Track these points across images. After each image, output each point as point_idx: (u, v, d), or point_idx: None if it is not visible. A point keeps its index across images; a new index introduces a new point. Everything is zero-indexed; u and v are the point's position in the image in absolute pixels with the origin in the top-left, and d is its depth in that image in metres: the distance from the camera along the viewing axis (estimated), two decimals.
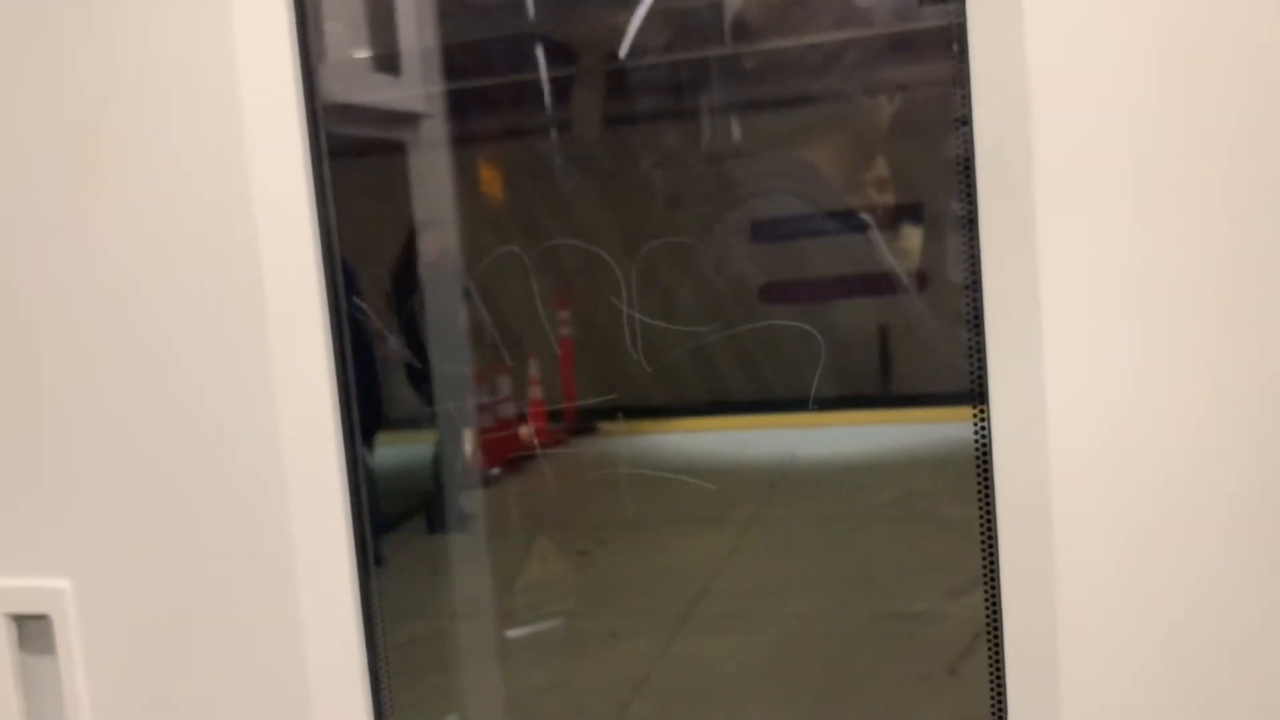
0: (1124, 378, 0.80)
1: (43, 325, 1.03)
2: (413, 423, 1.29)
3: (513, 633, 1.30)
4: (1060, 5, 0.78)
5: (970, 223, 0.83)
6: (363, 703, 1.01)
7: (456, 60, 1.23)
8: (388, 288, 1.18)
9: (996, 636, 0.86)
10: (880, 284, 1.09)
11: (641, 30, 1.09)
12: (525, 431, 1.20)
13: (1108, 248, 0.79)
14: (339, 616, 1.00)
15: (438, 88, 1.25)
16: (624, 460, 1.16)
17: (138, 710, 1.06)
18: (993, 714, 0.88)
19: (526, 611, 1.29)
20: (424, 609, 1.28)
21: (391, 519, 1.26)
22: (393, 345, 1.17)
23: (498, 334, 1.14)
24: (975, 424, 0.86)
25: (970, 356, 0.86)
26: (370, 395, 1.07)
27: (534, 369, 1.20)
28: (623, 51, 1.10)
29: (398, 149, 1.29)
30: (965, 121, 0.82)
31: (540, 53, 1.18)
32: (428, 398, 1.25)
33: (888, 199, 1.08)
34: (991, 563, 0.86)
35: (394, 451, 1.24)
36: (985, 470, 0.86)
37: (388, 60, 1.23)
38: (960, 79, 0.83)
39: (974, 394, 0.86)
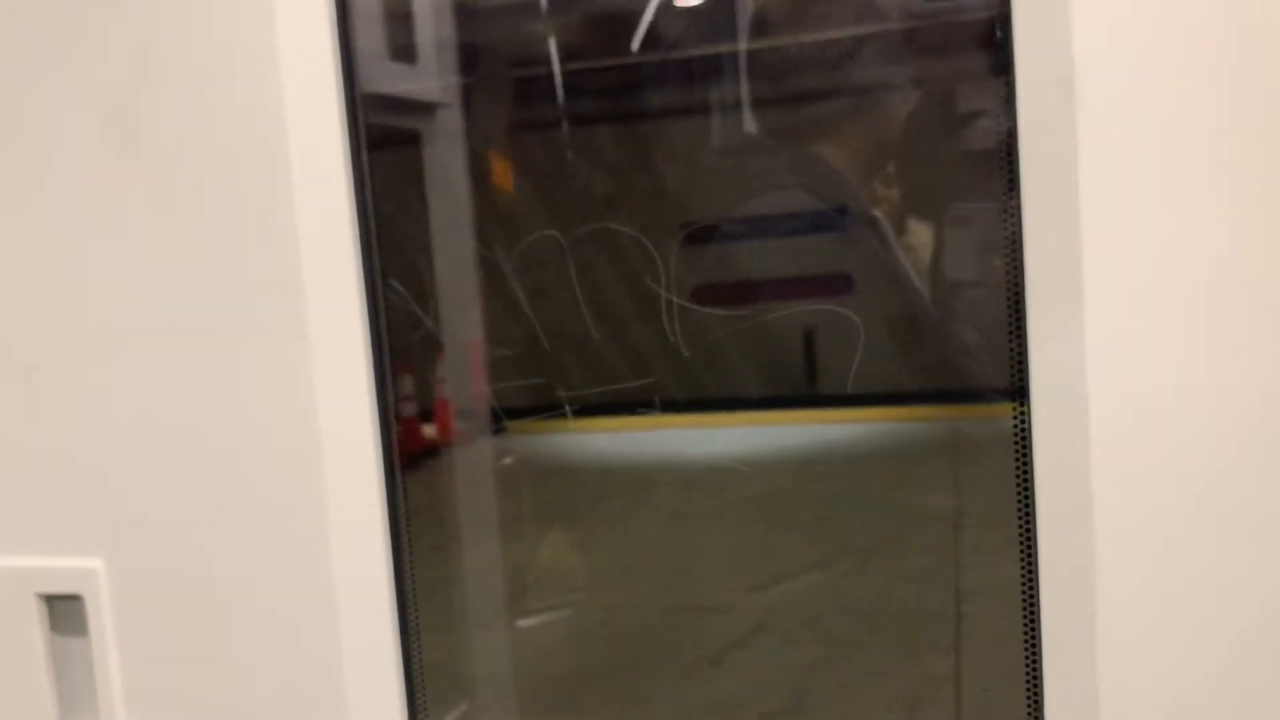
0: (1169, 371, 0.79)
1: (76, 304, 1.04)
2: None
3: None
4: None
5: (1013, 215, 0.83)
6: (396, 684, 1.01)
7: None
8: None
9: (1033, 634, 0.85)
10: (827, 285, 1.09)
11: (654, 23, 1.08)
12: (429, 430, 1.23)
13: (1154, 237, 0.78)
14: (374, 598, 1.00)
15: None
16: (521, 459, 1.21)
17: (170, 691, 1.06)
18: (1029, 712, 0.87)
19: None
20: None
21: None
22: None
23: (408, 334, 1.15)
24: (1015, 418, 0.85)
25: (1010, 348, 0.85)
26: None
27: (441, 368, 1.22)
28: (634, 44, 1.10)
29: None
30: (1010, 111, 0.82)
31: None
32: None
33: (911, 195, 1.07)
34: (1030, 560, 0.85)
35: None
36: (1025, 467, 0.85)
37: None
38: (1005, 68, 0.82)
39: (1013, 389, 0.85)
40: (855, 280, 1.07)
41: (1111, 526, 0.81)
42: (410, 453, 1.15)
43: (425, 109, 1.21)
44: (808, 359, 1.09)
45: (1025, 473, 0.84)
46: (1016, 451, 0.85)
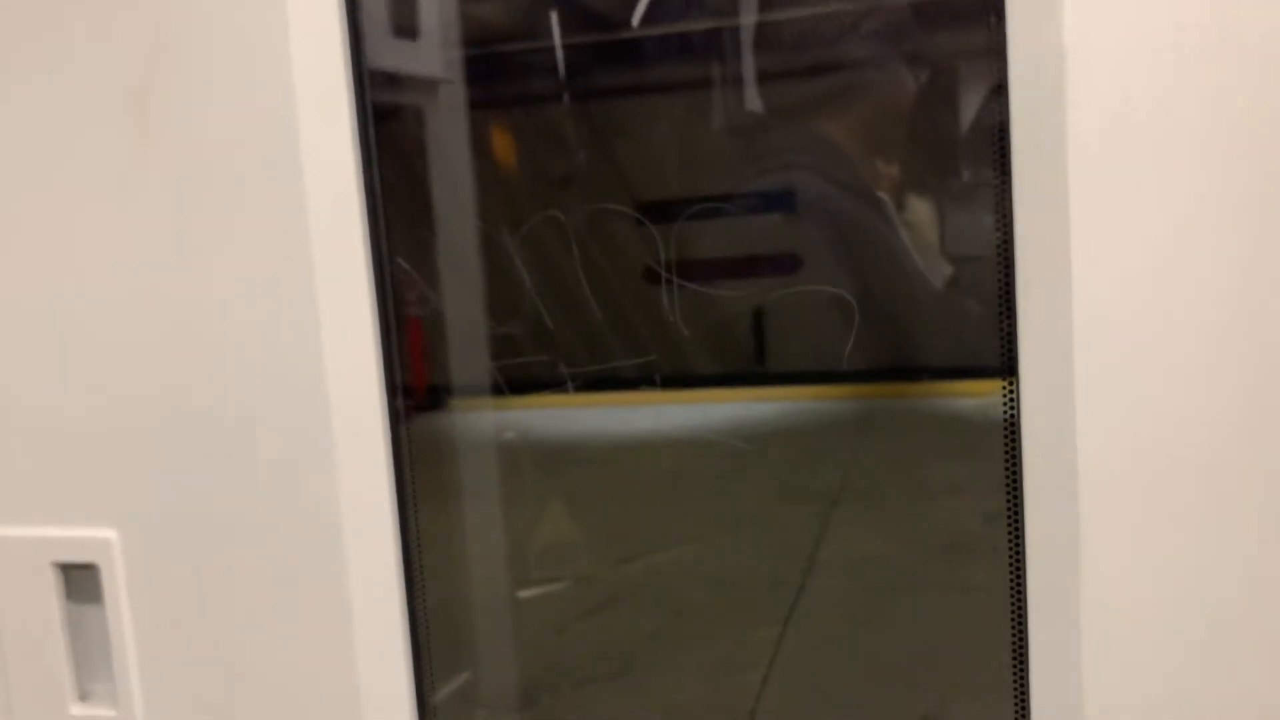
0: (1155, 352, 0.80)
1: (92, 280, 1.06)
2: None
3: None
4: None
5: (1003, 194, 0.84)
6: (404, 658, 1.03)
7: None
8: None
9: (1020, 617, 0.87)
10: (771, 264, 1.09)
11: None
12: None
13: (1141, 219, 0.79)
14: (384, 572, 1.03)
15: None
16: (459, 436, 1.22)
17: (184, 660, 1.09)
18: (1015, 702, 0.89)
19: None
20: None
21: None
22: None
23: None
24: (1005, 397, 0.87)
25: (1000, 328, 0.86)
26: None
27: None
28: (635, 20, 1.10)
29: None
30: (1001, 92, 0.82)
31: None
32: None
33: (911, 172, 1.08)
34: (1017, 541, 0.87)
35: None
36: (1013, 445, 0.86)
37: None
38: (997, 49, 0.83)
39: (1004, 366, 0.87)
40: (852, 258, 1.07)
41: (1096, 501, 0.82)
42: None
43: (428, 85, 1.22)
44: (756, 337, 1.10)
45: (1013, 448, 0.86)
46: (1005, 427, 0.87)
